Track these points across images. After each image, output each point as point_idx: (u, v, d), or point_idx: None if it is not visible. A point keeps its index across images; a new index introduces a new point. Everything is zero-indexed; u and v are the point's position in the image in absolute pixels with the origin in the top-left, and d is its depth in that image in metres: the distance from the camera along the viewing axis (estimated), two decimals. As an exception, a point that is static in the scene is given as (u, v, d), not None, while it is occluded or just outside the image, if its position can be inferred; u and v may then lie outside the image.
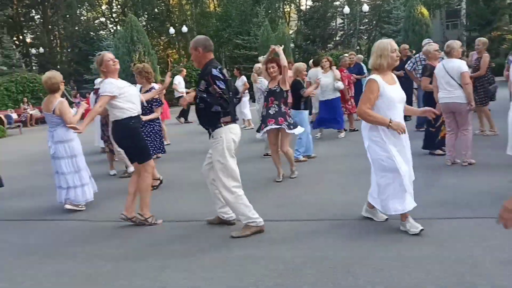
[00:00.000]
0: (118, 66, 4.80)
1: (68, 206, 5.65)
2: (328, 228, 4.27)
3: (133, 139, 4.74)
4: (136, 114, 4.77)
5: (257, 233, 4.21)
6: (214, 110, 4.02)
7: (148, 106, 6.40)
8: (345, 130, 9.67)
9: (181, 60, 39.42)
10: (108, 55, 4.77)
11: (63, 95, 5.86)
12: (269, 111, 6.14)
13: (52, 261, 4.06)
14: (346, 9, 27.36)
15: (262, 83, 8.03)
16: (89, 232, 4.82)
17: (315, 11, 29.38)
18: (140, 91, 7.83)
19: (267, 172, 6.85)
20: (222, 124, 4.10)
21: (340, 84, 8.75)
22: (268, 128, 6.12)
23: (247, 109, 11.97)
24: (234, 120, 4.23)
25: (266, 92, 6.27)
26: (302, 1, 40.63)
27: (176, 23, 43.04)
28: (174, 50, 46.95)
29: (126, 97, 4.67)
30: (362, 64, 11.72)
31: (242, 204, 4.18)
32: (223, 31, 35.99)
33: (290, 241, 3.99)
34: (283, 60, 5.98)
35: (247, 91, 11.96)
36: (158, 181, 6.39)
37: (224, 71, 4.19)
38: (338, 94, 8.97)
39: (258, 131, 6.52)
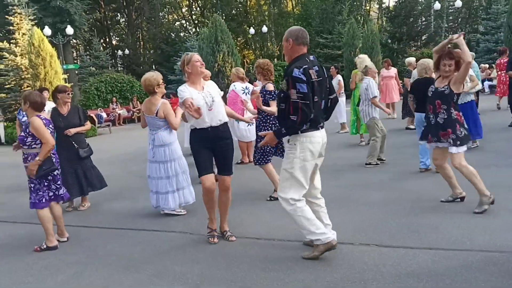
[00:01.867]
0: (204, 70, 4.51)
1: (166, 211, 5.43)
2: (489, 263, 3.47)
3: (192, 150, 4.48)
4: (200, 127, 4.35)
5: (328, 251, 3.77)
6: (292, 119, 3.54)
7: (262, 100, 5.81)
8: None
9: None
10: (197, 56, 4.47)
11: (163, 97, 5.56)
12: (438, 119, 4.88)
13: (162, 283, 3.67)
14: (437, 5, 25.59)
15: (369, 84, 7.26)
16: (194, 248, 4.41)
17: (402, 7, 27.79)
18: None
19: (376, 186, 6.11)
20: (299, 131, 3.63)
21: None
22: (434, 145, 4.99)
23: (343, 111, 11.18)
24: (316, 127, 3.71)
25: (431, 93, 4.96)
26: (385, -2, 39.08)
27: (253, 24, 43.17)
28: (251, 51, 47.26)
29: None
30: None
31: (301, 216, 3.73)
32: (302, 31, 35.28)
33: (440, 278, 3.28)
34: (467, 54, 4.68)
35: (343, 91, 11.20)
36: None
37: (313, 70, 3.59)
38: (470, 98, 7.36)
39: (421, 139, 5.22)
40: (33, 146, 4.63)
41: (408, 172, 6.63)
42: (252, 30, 34.00)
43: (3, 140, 16.36)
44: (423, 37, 30.32)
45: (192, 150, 4.48)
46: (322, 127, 3.79)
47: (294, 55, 3.70)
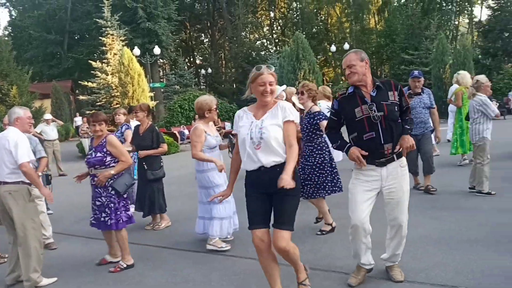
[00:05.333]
0: (268, 99, 3.31)
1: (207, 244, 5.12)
2: None
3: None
4: (251, 169, 3.38)
5: None
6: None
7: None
8: None
9: (339, 78, 38.87)
10: (266, 77, 3.27)
11: None
12: None
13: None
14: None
15: (485, 101, 6.26)
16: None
17: (497, 21, 25.93)
18: None
19: (482, 218, 5.39)
20: None
21: None
22: None
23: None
24: None
25: None
26: (476, 12, 36.98)
27: (334, 41, 42.79)
28: (331, 69, 46.84)
29: None
30: None
31: None
32: (386, 47, 34.32)
33: None
34: None
35: None
36: (330, 227, 5.30)
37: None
38: None
39: None
40: (111, 166, 4.56)
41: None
42: (333, 48, 33.62)
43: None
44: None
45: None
46: None
47: (368, 74, 3.64)
